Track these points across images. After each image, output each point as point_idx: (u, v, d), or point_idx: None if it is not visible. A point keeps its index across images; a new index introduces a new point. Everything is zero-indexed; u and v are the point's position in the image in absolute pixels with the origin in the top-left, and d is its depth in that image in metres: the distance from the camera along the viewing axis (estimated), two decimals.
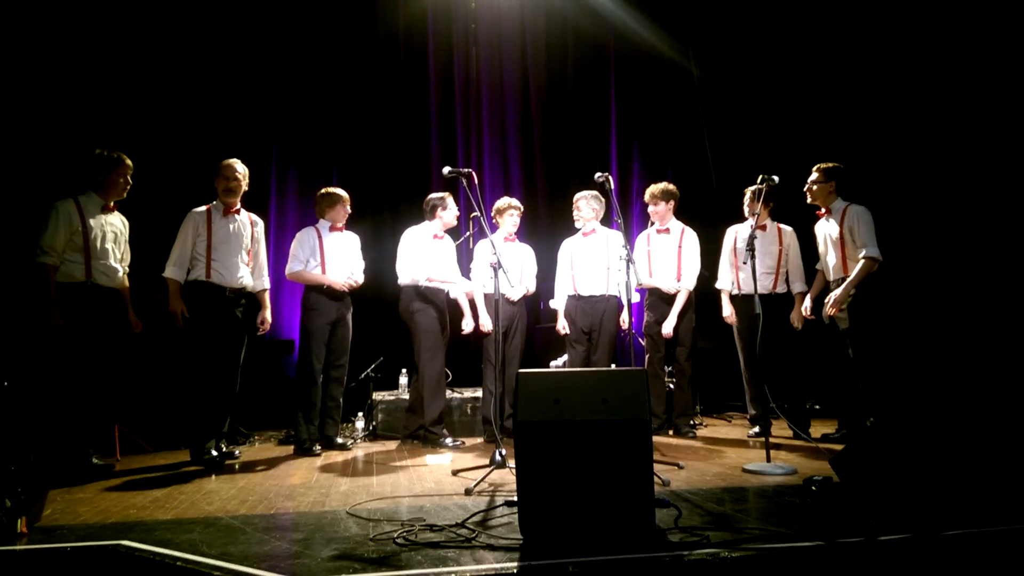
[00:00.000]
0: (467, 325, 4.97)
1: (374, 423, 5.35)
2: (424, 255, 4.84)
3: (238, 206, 4.42)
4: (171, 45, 5.98)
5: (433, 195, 4.99)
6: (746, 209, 4.89)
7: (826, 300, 4.56)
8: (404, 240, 4.92)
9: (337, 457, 4.44)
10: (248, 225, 4.48)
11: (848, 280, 4.42)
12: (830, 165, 4.62)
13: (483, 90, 7.14)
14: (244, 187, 4.43)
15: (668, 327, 4.95)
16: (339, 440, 4.77)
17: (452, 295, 5.04)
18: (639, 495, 2.35)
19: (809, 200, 4.71)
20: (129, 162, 4.11)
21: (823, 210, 4.67)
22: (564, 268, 5.10)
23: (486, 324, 4.90)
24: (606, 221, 5.22)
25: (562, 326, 5.05)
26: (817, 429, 4.96)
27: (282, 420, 5.55)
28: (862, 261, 4.38)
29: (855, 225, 4.45)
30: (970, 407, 2.93)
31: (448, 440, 4.75)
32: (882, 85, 6.57)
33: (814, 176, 4.65)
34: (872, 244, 4.38)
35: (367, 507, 2.93)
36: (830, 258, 4.63)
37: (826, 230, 4.68)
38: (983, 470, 2.76)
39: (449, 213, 4.96)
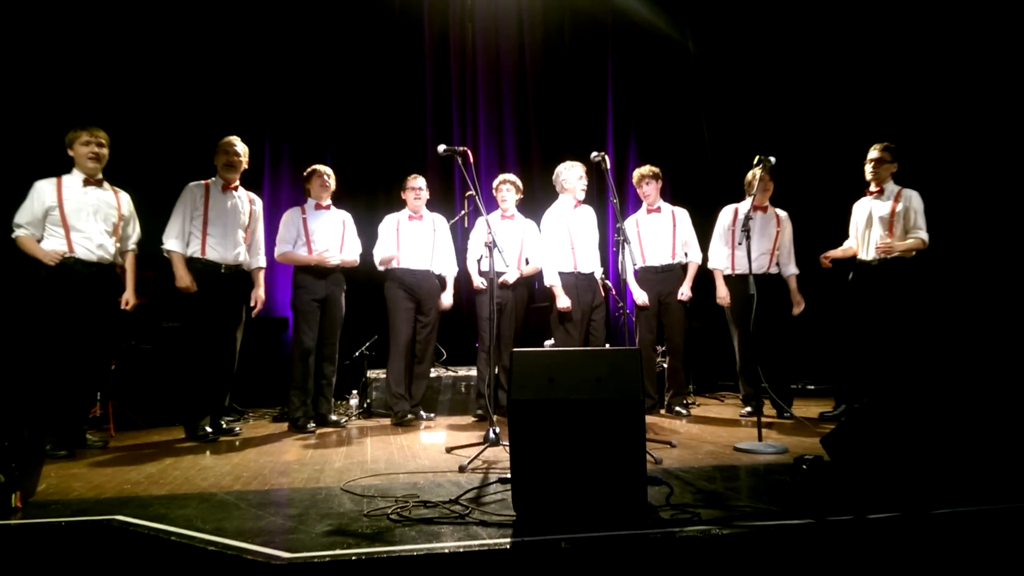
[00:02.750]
0: (444, 301, 5.01)
1: (368, 400, 5.37)
2: (385, 240, 4.92)
3: (237, 183, 4.39)
4: (163, 23, 5.89)
5: None
6: (755, 186, 4.80)
7: (881, 242, 4.58)
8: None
9: (331, 434, 4.46)
10: (247, 203, 4.46)
11: (901, 243, 4.52)
12: (894, 145, 4.68)
13: (479, 67, 7.07)
14: (244, 164, 4.42)
15: (684, 293, 5.01)
16: (332, 417, 4.79)
17: (438, 272, 5.04)
18: (631, 473, 2.36)
19: (870, 178, 4.70)
20: (94, 134, 3.94)
21: (875, 188, 4.70)
22: (561, 241, 4.77)
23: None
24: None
25: (564, 304, 4.65)
26: (812, 408, 5.00)
27: (276, 397, 5.55)
28: (914, 239, 4.52)
29: (911, 207, 4.57)
30: (961, 388, 2.95)
31: (409, 416, 4.77)
32: (883, 64, 6.53)
33: (878, 154, 4.65)
34: (925, 229, 4.54)
35: (361, 483, 2.94)
36: (873, 235, 4.65)
37: (874, 208, 4.69)
38: (972, 450, 2.79)
39: (408, 194, 4.99)
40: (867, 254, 4.68)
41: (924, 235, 4.52)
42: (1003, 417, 2.86)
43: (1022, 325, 5.56)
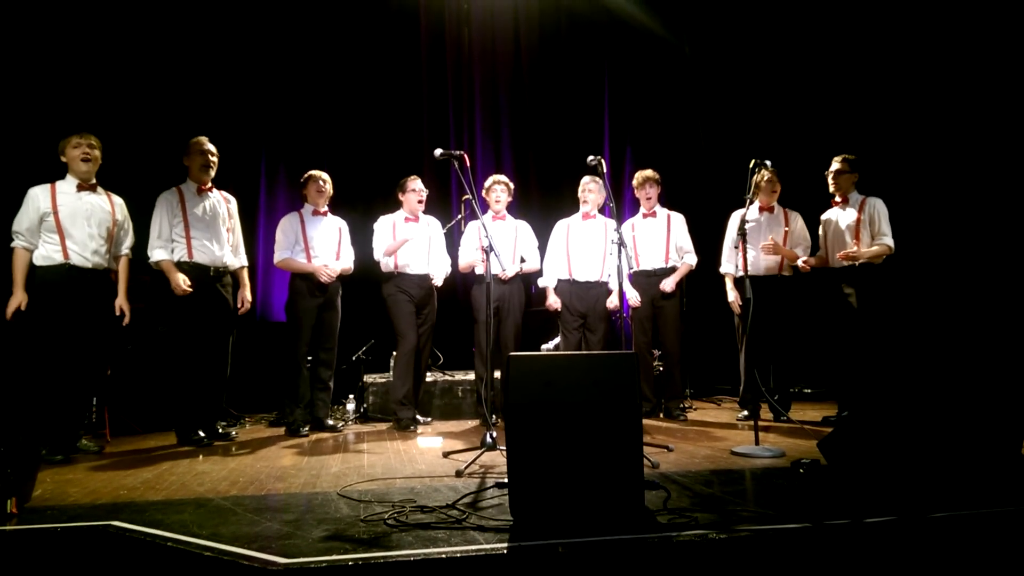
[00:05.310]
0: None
1: (365, 405, 5.36)
2: (383, 240, 4.85)
3: (210, 183, 4.36)
4: (158, 28, 5.88)
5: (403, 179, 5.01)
6: (754, 190, 4.85)
7: (843, 252, 4.63)
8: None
9: (328, 439, 4.45)
10: (223, 202, 4.43)
11: (866, 250, 4.58)
12: (853, 157, 4.75)
13: (475, 71, 7.06)
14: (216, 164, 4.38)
15: (668, 285, 4.98)
16: (329, 422, 4.77)
17: (433, 274, 5.00)
18: (629, 477, 2.37)
19: (833, 189, 4.80)
20: (85, 136, 3.97)
21: (839, 199, 4.79)
22: (559, 249, 5.04)
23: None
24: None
25: (553, 301, 4.98)
26: (809, 412, 5.00)
27: (273, 402, 5.54)
28: (879, 245, 4.57)
29: (875, 215, 4.63)
30: (957, 392, 2.96)
31: (412, 422, 4.76)
32: (881, 70, 6.55)
33: (839, 166, 4.76)
34: (890, 235, 4.60)
35: (358, 488, 2.94)
36: (840, 244, 4.73)
37: (839, 218, 4.79)
38: (969, 453, 2.79)
39: (411, 196, 4.91)
40: (836, 263, 4.75)
41: (890, 241, 4.59)
42: (997, 420, 2.87)
43: (1012, 328, 5.58)
